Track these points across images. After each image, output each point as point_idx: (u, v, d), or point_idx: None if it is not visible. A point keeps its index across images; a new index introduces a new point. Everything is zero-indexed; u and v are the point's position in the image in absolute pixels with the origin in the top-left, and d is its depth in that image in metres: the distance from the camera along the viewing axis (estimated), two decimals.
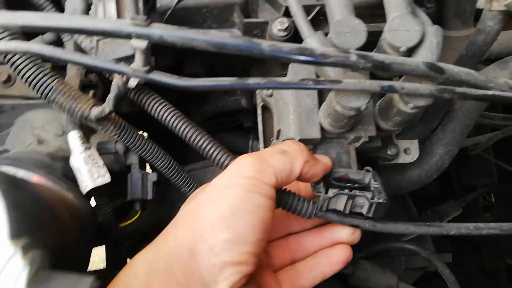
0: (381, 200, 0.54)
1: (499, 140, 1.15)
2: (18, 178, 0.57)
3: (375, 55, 0.47)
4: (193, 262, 0.45)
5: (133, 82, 0.47)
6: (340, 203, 0.55)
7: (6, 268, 0.40)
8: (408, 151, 0.75)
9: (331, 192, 0.54)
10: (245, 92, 0.86)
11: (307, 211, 0.55)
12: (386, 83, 0.49)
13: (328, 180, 0.57)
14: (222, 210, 0.47)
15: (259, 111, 0.73)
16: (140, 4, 0.60)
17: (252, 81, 0.48)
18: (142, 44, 0.43)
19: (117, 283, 0.45)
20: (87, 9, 0.61)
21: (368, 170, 0.59)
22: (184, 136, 0.63)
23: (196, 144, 0.63)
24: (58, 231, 0.55)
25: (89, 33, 0.44)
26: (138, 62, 0.45)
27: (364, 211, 0.56)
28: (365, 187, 0.57)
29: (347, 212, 0.56)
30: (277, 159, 0.51)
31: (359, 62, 0.46)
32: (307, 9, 0.67)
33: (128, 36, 0.43)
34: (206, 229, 0.46)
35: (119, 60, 0.55)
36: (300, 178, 0.53)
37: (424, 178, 0.79)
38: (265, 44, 0.44)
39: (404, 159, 0.75)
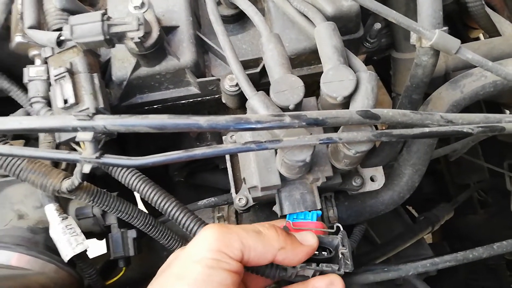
0: (347, 270, 0.54)
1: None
2: None
3: (308, 113, 0.50)
4: None
5: (86, 168, 0.50)
6: (308, 272, 0.56)
7: None
8: (375, 178, 0.78)
9: (299, 265, 0.54)
10: (215, 137, 0.89)
11: (274, 276, 0.56)
12: (324, 136, 0.52)
13: None
14: None
15: (227, 157, 0.76)
16: (96, 81, 0.63)
17: (198, 151, 0.51)
18: (88, 136, 0.47)
19: None
20: (47, 90, 0.65)
21: (338, 229, 0.59)
22: (153, 203, 0.66)
23: (165, 210, 0.66)
24: None
25: (38, 131, 0.47)
26: (88, 151, 0.49)
27: None
28: (333, 257, 0.57)
29: None
30: (249, 237, 0.50)
31: (294, 122, 0.49)
32: (255, 61, 0.70)
33: (74, 130, 0.47)
34: None
35: (65, 142, 0.59)
36: (275, 261, 0.53)
37: (397, 199, 0.81)
38: (202, 120, 0.48)
39: (371, 186, 0.78)
